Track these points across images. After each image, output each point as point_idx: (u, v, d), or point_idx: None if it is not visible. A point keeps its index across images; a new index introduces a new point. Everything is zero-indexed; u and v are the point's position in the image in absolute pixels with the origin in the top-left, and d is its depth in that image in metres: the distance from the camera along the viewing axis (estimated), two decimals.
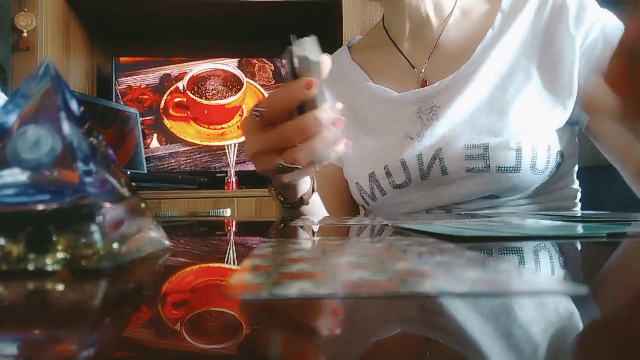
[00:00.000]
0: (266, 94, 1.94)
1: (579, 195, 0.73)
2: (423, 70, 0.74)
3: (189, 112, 1.91)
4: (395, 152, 0.70)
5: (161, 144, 1.89)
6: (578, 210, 0.72)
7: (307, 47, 0.47)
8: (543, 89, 0.66)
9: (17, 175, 0.20)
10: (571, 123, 0.68)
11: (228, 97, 1.92)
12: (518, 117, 0.65)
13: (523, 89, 0.66)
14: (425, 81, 0.73)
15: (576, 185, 0.73)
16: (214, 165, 1.90)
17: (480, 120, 0.66)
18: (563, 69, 0.66)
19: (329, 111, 0.47)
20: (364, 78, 0.78)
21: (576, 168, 0.73)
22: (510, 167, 0.64)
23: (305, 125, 0.47)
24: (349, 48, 0.85)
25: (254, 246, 0.28)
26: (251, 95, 1.94)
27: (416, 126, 0.70)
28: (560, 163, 0.67)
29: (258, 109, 0.49)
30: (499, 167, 0.64)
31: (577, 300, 0.14)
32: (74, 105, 0.22)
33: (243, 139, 2.11)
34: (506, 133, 0.64)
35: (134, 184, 0.24)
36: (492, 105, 0.66)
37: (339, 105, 0.49)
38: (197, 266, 0.24)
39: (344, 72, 0.81)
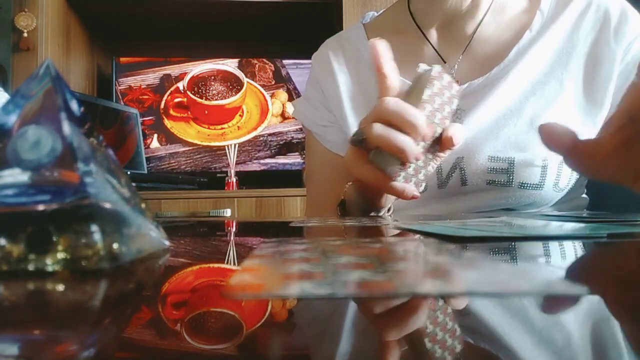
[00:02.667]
0: (267, 95, 1.94)
1: (586, 204, 0.71)
2: (455, 67, 0.68)
3: (189, 112, 1.91)
4: None
5: (161, 144, 1.89)
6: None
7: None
8: (574, 102, 0.63)
9: (17, 175, 0.20)
10: None
11: (228, 97, 1.92)
12: None
13: (554, 100, 0.62)
14: (457, 80, 0.67)
15: (584, 194, 0.71)
16: (214, 165, 1.90)
17: (506, 129, 0.62)
18: (598, 83, 0.62)
19: (428, 131, 0.46)
20: None
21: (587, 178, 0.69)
22: (533, 184, 0.61)
23: (403, 111, 0.45)
24: (364, 26, 0.76)
25: (254, 246, 0.28)
26: (251, 95, 1.94)
27: None
28: (579, 177, 0.64)
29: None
30: (522, 183, 0.61)
31: (577, 300, 0.14)
32: (74, 105, 0.22)
33: (244, 138, 2.08)
34: (533, 148, 0.61)
35: (134, 184, 0.24)
36: (520, 113, 0.62)
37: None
38: (197, 266, 0.24)
39: (358, 54, 0.73)
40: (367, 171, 0.50)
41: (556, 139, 0.46)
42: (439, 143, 0.49)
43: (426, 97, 0.47)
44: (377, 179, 0.49)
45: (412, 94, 0.49)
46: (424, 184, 0.51)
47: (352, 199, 0.59)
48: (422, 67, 0.49)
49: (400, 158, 0.46)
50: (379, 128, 0.46)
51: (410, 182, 0.49)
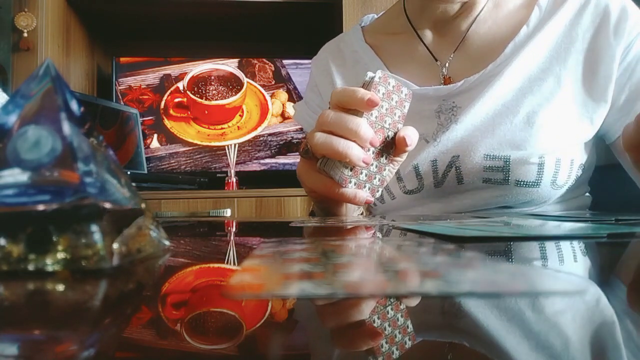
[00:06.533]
0: (267, 95, 1.94)
1: (589, 203, 0.70)
2: (447, 65, 0.68)
3: (189, 112, 1.90)
4: (408, 155, 0.67)
5: (161, 144, 1.89)
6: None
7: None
8: (572, 98, 0.62)
9: (17, 175, 0.20)
10: (595, 135, 0.64)
11: (228, 97, 1.92)
12: (544, 129, 0.60)
13: (552, 97, 0.61)
14: (449, 77, 0.67)
15: (588, 193, 0.70)
16: (214, 165, 1.90)
17: (502, 127, 0.61)
18: (597, 81, 0.61)
19: (369, 132, 0.46)
20: (378, 64, 0.71)
21: (590, 175, 0.69)
22: (530, 182, 0.60)
23: (343, 120, 0.45)
24: (362, 28, 0.77)
25: (254, 246, 0.28)
26: (251, 95, 1.94)
27: (432, 127, 0.65)
28: (580, 175, 0.63)
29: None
30: (518, 181, 0.60)
31: (577, 300, 0.14)
32: (74, 105, 0.22)
33: (244, 138, 2.08)
34: (529, 146, 0.60)
35: (134, 184, 0.24)
36: (516, 110, 0.62)
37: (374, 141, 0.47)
38: (197, 266, 0.24)
39: (355, 55, 0.74)
40: (317, 180, 0.50)
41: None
42: (393, 147, 0.49)
43: None
44: (327, 186, 0.49)
45: None
46: (380, 189, 0.51)
47: (315, 209, 0.60)
48: (368, 74, 0.49)
49: (346, 163, 0.46)
50: (320, 136, 0.46)
51: (363, 188, 0.49)
